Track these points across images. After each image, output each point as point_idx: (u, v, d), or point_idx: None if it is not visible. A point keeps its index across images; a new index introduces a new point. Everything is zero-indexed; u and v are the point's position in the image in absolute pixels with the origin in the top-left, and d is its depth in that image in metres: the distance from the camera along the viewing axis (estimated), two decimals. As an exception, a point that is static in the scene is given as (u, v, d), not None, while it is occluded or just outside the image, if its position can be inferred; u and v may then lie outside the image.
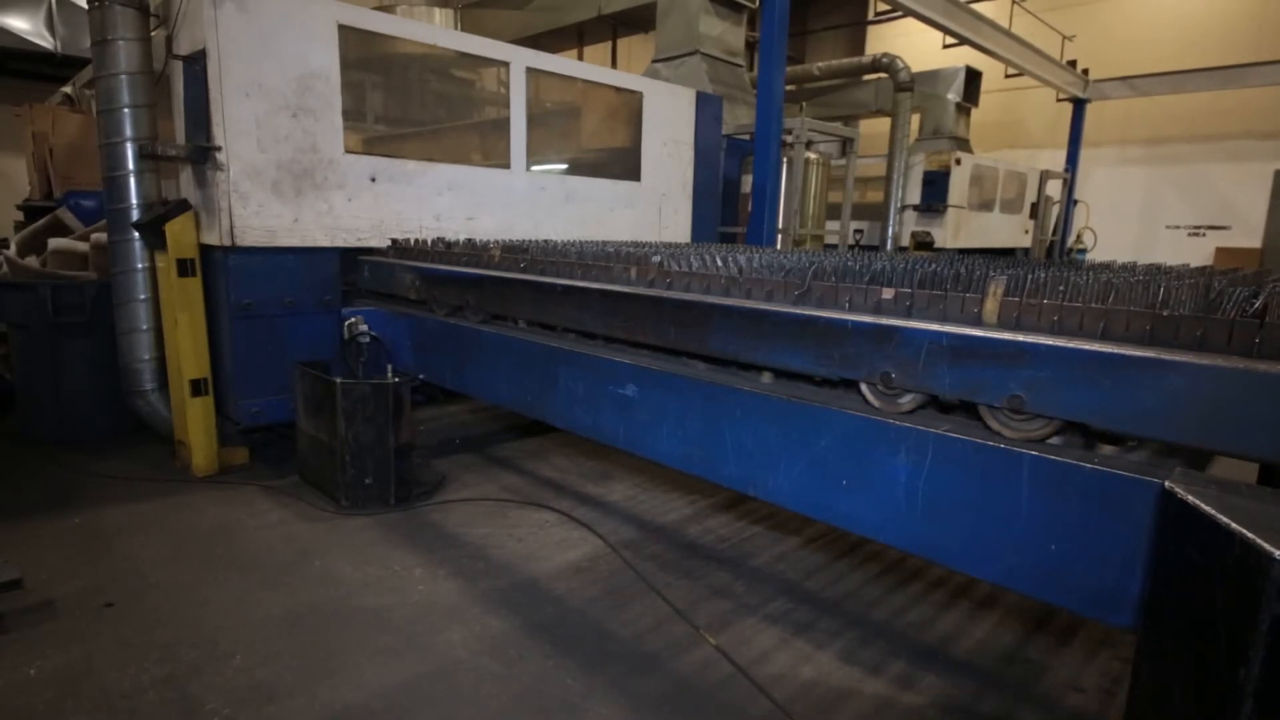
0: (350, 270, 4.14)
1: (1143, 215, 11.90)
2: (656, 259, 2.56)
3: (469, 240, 3.59)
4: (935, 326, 1.69)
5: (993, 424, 1.69)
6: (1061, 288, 1.76)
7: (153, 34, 3.84)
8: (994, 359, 1.58)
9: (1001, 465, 1.60)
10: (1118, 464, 1.49)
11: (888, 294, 1.85)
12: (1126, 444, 1.61)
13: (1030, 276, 1.91)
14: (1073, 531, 1.51)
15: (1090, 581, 1.49)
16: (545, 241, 4.00)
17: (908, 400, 1.83)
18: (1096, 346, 1.45)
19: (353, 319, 3.54)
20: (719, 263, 2.49)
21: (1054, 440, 1.64)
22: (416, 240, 3.95)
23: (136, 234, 3.85)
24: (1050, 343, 1.51)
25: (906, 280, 1.95)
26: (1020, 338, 1.56)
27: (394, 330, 3.82)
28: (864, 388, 1.91)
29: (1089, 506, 1.48)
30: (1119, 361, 1.42)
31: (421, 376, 3.69)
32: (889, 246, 7.84)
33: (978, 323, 1.70)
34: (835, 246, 7.23)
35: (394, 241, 4.04)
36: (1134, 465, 1.49)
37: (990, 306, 1.68)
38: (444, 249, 3.50)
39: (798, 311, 1.96)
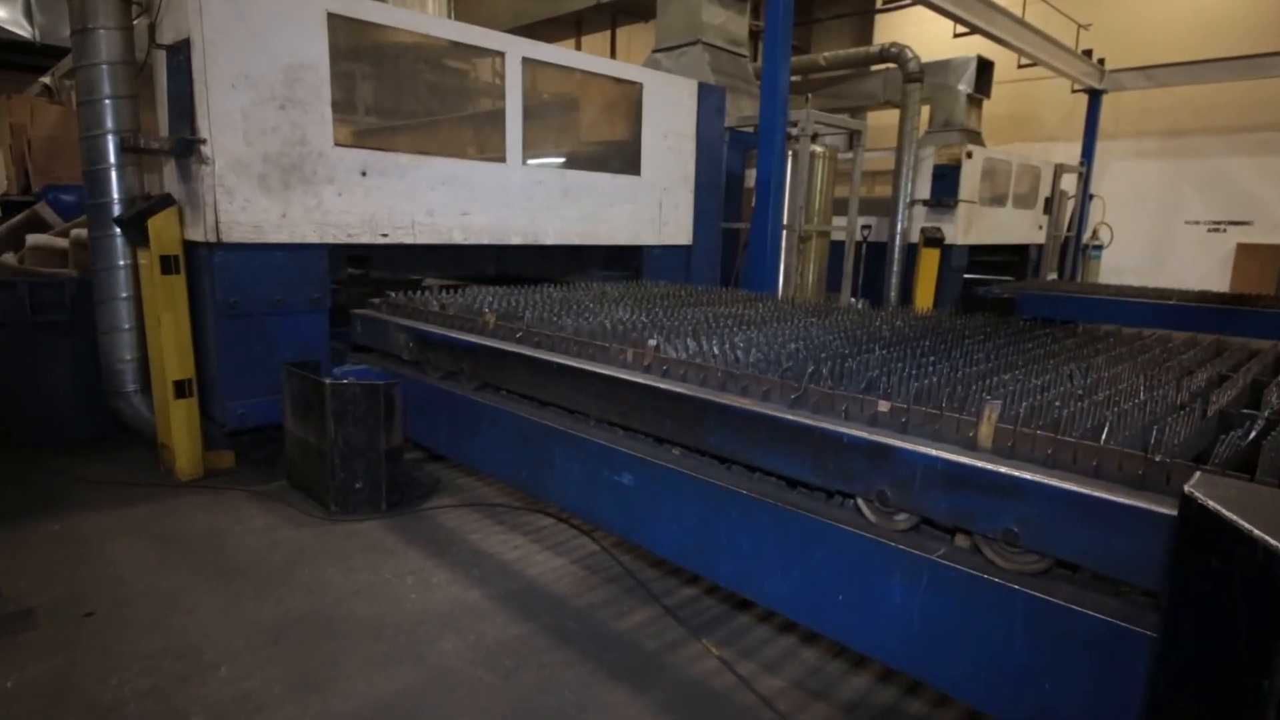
0: (339, 268, 4.02)
1: (1161, 210, 11.66)
2: (653, 342, 2.51)
3: (464, 304, 3.46)
4: (930, 450, 1.67)
5: (988, 552, 1.66)
6: (1058, 404, 1.80)
7: (135, 22, 3.74)
8: (988, 490, 1.57)
9: (995, 599, 1.58)
10: (1110, 609, 1.45)
11: (883, 406, 1.85)
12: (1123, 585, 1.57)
13: (1027, 388, 1.97)
14: (1064, 672, 1.48)
15: None
16: (543, 293, 3.85)
17: (903, 519, 1.80)
18: (1088, 490, 1.44)
19: (346, 380, 3.42)
20: (715, 350, 2.44)
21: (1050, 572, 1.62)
22: (408, 294, 3.81)
23: (118, 230, 3.76)
24: (1043, 480, 1.50)
25: (902, 390, 1.93)
26: (1014, 471, 1.54)
27: None
28: (860, 502, 1.88)
29: (1081, 651, 1.45)
30: (1110, 508, 1.42)
31: (415, 441, 3.58)
32: (898, 243, 7.70)
33: (972, 447, 1.68)
34: (842, 244, 7.06)
35: (387, 297, 3.85)
36: (1127, 612, 1.44)
37: (985, 431, 1.68)
38: (438, 309, 3.42)
39: (794, 419, 1.93)
